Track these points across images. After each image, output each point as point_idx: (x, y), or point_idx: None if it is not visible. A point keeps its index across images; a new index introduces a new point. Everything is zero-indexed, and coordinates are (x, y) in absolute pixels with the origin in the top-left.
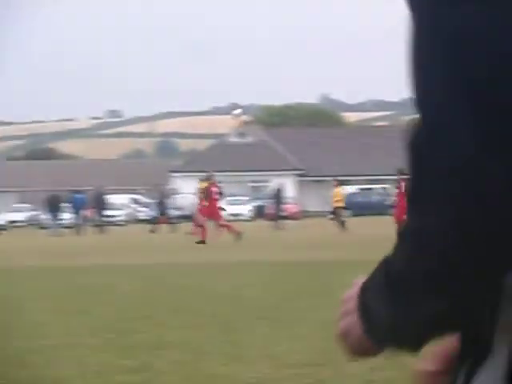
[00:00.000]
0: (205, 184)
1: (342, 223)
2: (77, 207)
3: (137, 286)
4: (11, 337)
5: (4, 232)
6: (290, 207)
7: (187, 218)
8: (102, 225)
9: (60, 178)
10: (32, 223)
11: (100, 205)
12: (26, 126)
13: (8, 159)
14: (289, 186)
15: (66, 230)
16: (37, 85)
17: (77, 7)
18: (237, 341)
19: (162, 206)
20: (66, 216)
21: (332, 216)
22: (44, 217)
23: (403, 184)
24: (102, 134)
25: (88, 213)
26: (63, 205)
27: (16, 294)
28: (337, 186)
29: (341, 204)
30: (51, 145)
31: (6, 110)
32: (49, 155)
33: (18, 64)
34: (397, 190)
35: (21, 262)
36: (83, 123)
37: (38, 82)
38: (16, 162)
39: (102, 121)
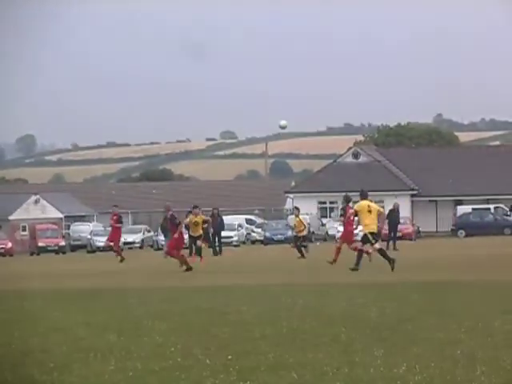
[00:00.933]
0: None
1: (302, 251)
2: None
3: (254, 307)
4: (131, 358)
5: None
6: (404, 227)
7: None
8: (218, 246)
9: (175, 199)
10: (147, 244)
11: (216, 226)
12: (142, 147)
13: (124, 180)
14: (403, 206)
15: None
16: (156, 107)
17: None
18: (356, 362)
19: None
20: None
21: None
22: (160, 238)
23: None
24: (217, 156)
25: None
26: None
27: (134, 314)
28: (297, 215)
29: (304, 233)
30: (166, 166)
31: (121, 132)
32: (164, 176)
33: (134, 87)
34: None
35: (137, 283)
36: (198, 144)
37: (154, 105)
38: (130, 183)
39: (217, 142)
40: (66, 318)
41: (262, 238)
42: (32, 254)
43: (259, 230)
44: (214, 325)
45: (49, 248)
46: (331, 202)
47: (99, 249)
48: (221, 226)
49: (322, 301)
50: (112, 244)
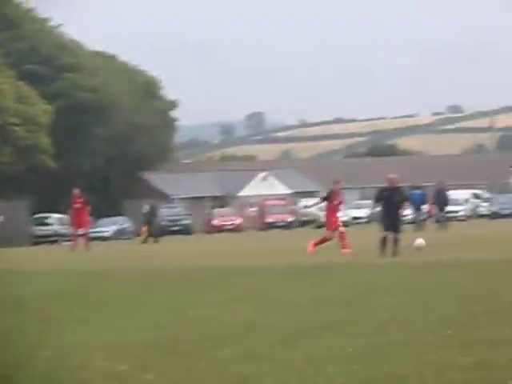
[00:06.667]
0: None
1: None
2: (415, 203)
3: (477, 282)
4: (352, 334)
5: (345, 228)
6: None
7: None
8: (443, 220)
9: (400, 174)
10: (373, 219)
11: (441, 200)
12: (368, 122)
13: (350, 156)
14: None
15: (407, 226)
16: (378, 81)
17: None
18: None
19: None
20: (407, 212)
21: None
22: None
23: None
24: (443, 130)
25: (429, 208)
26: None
27: (361, 290)
28: None
29: None
30: (392, 141)
31: (349, 107)
32: (389, 152)
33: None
34: None
35: (366, 259)
36: (424, 119)
37: (378, 79)
38: (357, 158)
39: (444, 116)
40: (291, 294)
41: (488, 213)
42: (261, 229)
43: (486, 204)
44: (436, 300)
45: (277, 224)
46: None
47: None
48: (446, 200)
49: None
50: None
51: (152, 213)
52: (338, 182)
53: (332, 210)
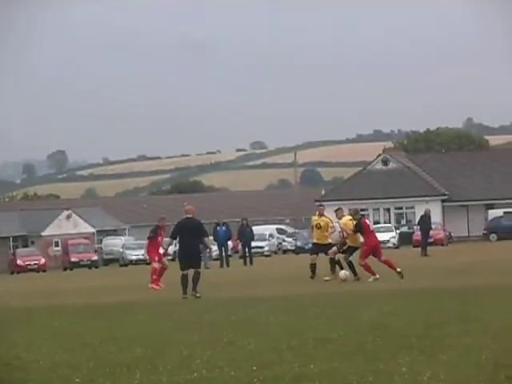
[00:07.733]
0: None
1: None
2: (220, 239)
3: (282, 318)
4: (156, 371)
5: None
6: (435, 233)
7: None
8: (248, 256)
9: (206, 211)
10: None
11: (245, 236)
12: (172, 160)
13: (155, 193)
14: (434, 212)
15: (213, 263)
16: (182, 119)
17: None
18: (380, 370)
19: None
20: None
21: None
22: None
23: None
24: (247, 166)
25: (234, 245)
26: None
27: (162, 327)
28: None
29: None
30: (197, 178)
31: (152, 145)
32: (195, 188)
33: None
34: None
35: (168, 296)
36: (228, 155)
37: (182, 117)
38: (162, 196)
39: (247, 152)
40: (94, 333)
41: (293, 248)
42: (65, 269)
43: (290, 239)
44: (241, 336)
45: (81, 263)
46: (362, 210)
47: (132, 262)
48: (250, 236)
49: (349, 310)
50: None
51: None
52: (163, 219)
53: (154, 246)
